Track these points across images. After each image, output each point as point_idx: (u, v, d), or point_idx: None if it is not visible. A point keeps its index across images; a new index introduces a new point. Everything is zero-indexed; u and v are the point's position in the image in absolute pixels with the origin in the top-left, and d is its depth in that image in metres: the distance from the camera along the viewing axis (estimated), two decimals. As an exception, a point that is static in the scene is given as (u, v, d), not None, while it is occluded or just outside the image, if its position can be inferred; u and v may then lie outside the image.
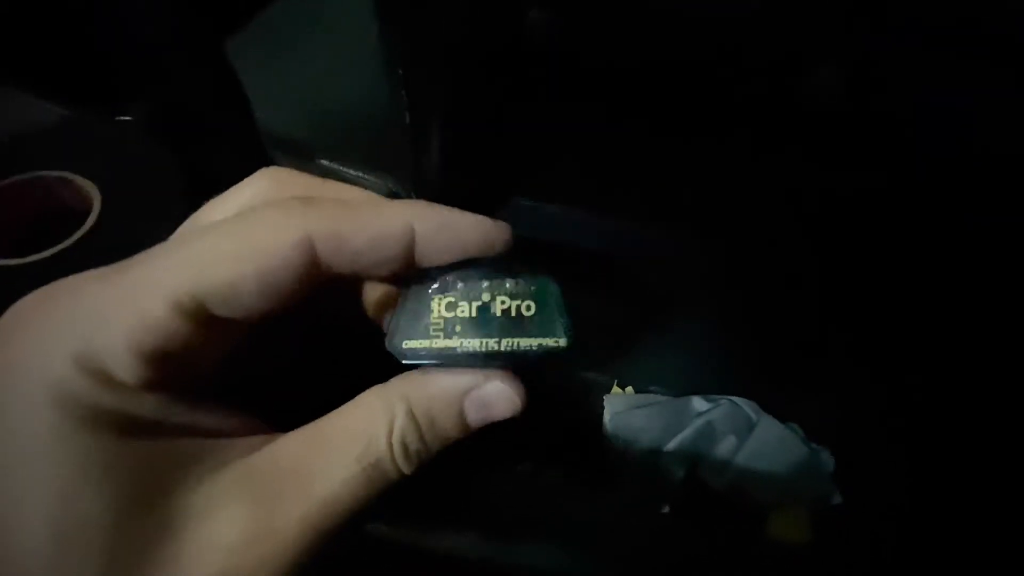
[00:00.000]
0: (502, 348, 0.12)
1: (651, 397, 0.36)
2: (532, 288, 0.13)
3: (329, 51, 0.32)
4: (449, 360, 0.12)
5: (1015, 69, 0.19)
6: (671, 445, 0.34)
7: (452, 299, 0.12)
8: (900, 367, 0.34)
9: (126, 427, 0.10)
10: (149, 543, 0.10)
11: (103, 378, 0.10)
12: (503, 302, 0.12)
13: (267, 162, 0.31)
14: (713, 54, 0.20)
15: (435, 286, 0.13)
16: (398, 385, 0.12)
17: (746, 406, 0.35)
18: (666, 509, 0.33)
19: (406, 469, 0.12)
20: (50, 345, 0.10)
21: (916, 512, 0.32)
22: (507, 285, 0.12)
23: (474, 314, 0.12)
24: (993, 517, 0.30)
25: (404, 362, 0.12)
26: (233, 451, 0.11)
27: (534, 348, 0.12)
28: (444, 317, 0.12)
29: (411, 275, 0.13)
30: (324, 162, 0.30)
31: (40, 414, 0.10)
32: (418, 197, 0.30)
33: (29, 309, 0.11)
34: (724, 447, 0.34)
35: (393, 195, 0.31)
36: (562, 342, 0.12)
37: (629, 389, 0.37)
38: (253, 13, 0.32)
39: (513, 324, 0.12)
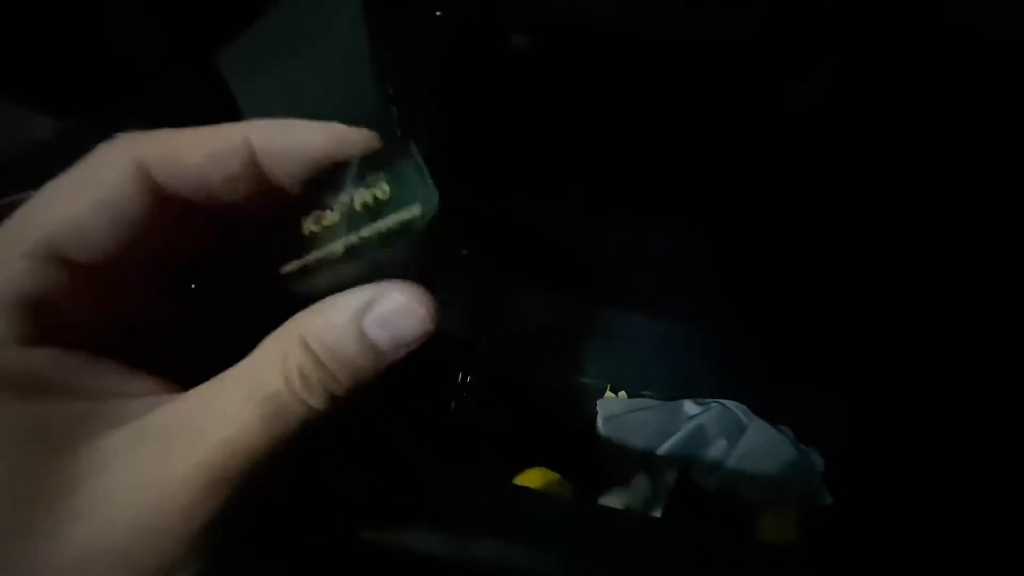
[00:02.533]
0: (361, 238, 0.11)
1: (643, 401, 0.37)
2: (389, 169, 0.11)
3: (319, 64, 0.32)
4: (327, 277, 0.11)
5: (995, 77, 0.19)
6: (663, 448, 0.34)
7: (320, 211, 0.12)
8: (890, 369, 0.34)
9: (12, 386, 0.10)
10: (44, 502, 0.10)
11: None
12: (361, 196, 0.11)
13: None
14: (698, 71, 0.20)
15: (303, 204, 0.12)
16: (290, 323, 0.12)
17: (736, 409, 0.35)
18: (658, 512, 0.33)
19: (313, 401, 0.11)
20: None
21: (904, 511, 0.32)
22: (368, 179, 0.11)
23: (337, 219, 0.11)
24: (981, 517, 0.31)
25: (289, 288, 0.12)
26: (134, 410, 0.11)
27: (394, 228, 0.11)
28: (313, 231, 0.12)
29: (285, 203, 0.12)
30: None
31: None
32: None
33: None
34: (715, 449, 0.34)
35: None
36: (421, 210, 0.11)
37: (622, 393, 0.38)
38: (244, 26, 0.33)
39: (372, 213, 0.11)
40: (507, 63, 0.19)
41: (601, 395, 0.37)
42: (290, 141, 0.12)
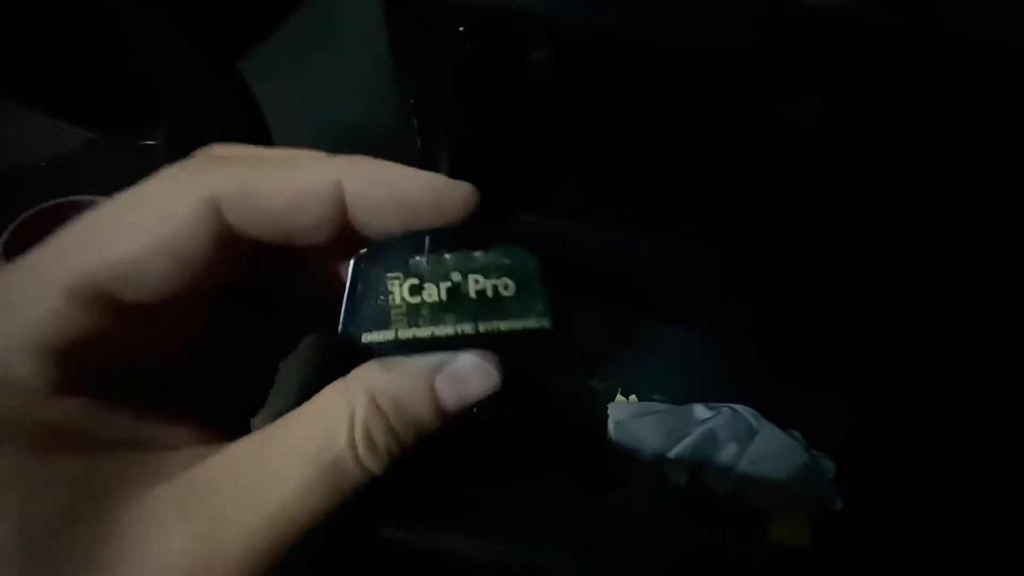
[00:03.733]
0: (480, 332, 0.11)
1: (654, 405, 0.37)
2: (507, 263, 0.11)
3: (340, 72, 0.33)
4: (417, 351, 0.11)
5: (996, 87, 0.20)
6: (674, 452, 0.34)
7: (415, 281, 0.11)
8: (901, 373, 0.34)
9: (39, 438, 0.09)
10: (70, 569, 0.09)
11: (4, 385, 0.09)
12: (476, 281, 0.11)
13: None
14: (712, 84, 0.21)
15: (391, 264, 0.11)
16: (359, 374, 0.11)
17: (747, 413, 0.36)
18: (669, 514, 0.33)
19: (373, 466, 0.10)
20: None
21: (916, 517, 0.32)
22: (477, 258, 0.11)
23: (444, 298, 0.11)
24: (993, 523, 0.31)
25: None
26: (175, 462, 0.10)
27: (517, 331, 0.11)
28: (408, 303, 0.11)
29: (361, 253, 0.11)
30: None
31: None
32: None
33: None
34: (726, 454, 0.34)
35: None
36: (546, 323, 0.11)
37: (632, 397, 0.38)
38: (264, 33, 0.34)
39: (489, 306, 0.11)
40: (527, 76, 0.20)
41: (611, 399, 0.38)
42: (385, 190, 0.11)
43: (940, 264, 0.30)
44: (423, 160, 0.26)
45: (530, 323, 0.11)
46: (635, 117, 0.23)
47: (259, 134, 0.30)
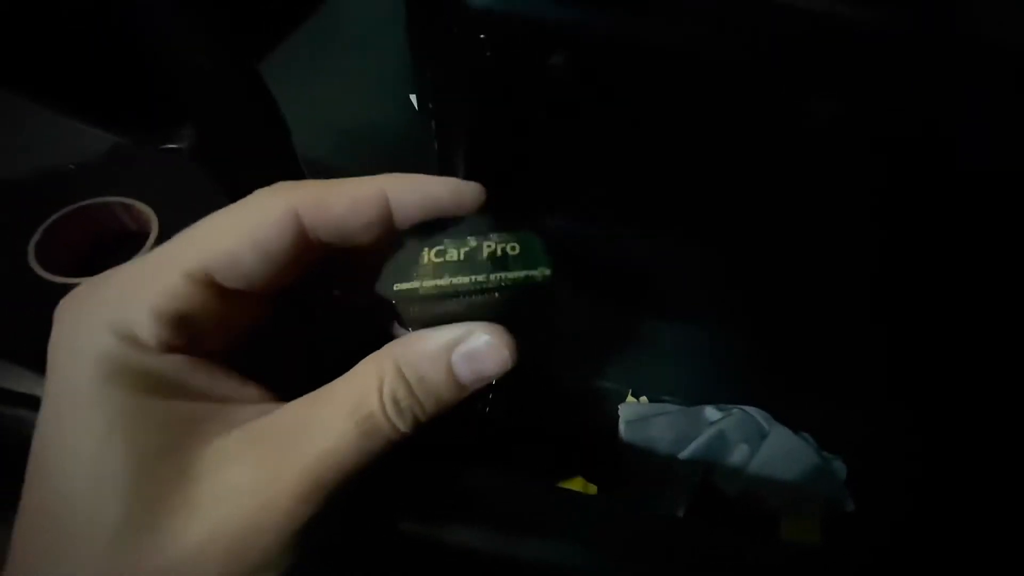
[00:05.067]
0: (490, 281, 0.13)
1: (664, 406, 0.37)
2: (516, 236, 0.13)
3: (358, 74, 0.34)
4: (439, 298, 0.13)
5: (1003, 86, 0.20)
6: (685, 453, 0.35)
7: (441, 247, 0.13)
8: (913, 375, 0.35)
9: (151, 385, 0.12)
10: (167, 488, 0.11)
11: (131, 341, 0.12)
12: (489, 246, 0.13)
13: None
14: (726, 89, 0.21)
15: (424, 237, 0.14)
16: (389, 348, 0.13)
17: (757, 415, 0.36)
18: (680, 513, 0.34)
19: (401, 425, 0.12)
20: (93, 317, 0.12)
21: (928, 518, 0.32)
22: (492, 236, 0.13)
23: (462, 257, 0.13)
24: (1004, 525, 0.31)
25: (394, 302, 0.13)
26: (245, 414, 0.13)
27: (520, 279, 0.13)
28: (434, 262, 0.13)
29: (403, 230, 0.14)
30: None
31: (84, 373, 0.11)
32: None
33: (79, 292, 0.12)
34: (737, 455, 0.35)
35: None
36: (547, 271, 0.13)
37: (643, 398, 0.38)
38: (282, 37, 0.34)
39: (499, 262, 0.13)
40: (545, 81, 0.20)
41: (622, 400, 0.38)
42: (420, 193, 0.14)
43: (952, 267, 0.30)
44: (441, 161, 0.27)
45: (533, 272, 0.13)
46: (652, 122, 0.23)
47: (281, 137, 0.31)
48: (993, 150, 0.24)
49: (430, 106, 0.24)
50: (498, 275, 0.13)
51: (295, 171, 0.31)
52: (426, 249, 0.13)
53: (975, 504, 0.32)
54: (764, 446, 0.35)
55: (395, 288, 0.13)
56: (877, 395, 0.35)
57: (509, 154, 0.27)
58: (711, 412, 0.36)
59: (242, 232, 0.13)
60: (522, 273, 0.13)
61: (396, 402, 0.12)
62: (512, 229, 0.13)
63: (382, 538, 0.22)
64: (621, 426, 0.36)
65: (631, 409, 0.37)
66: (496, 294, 0.13)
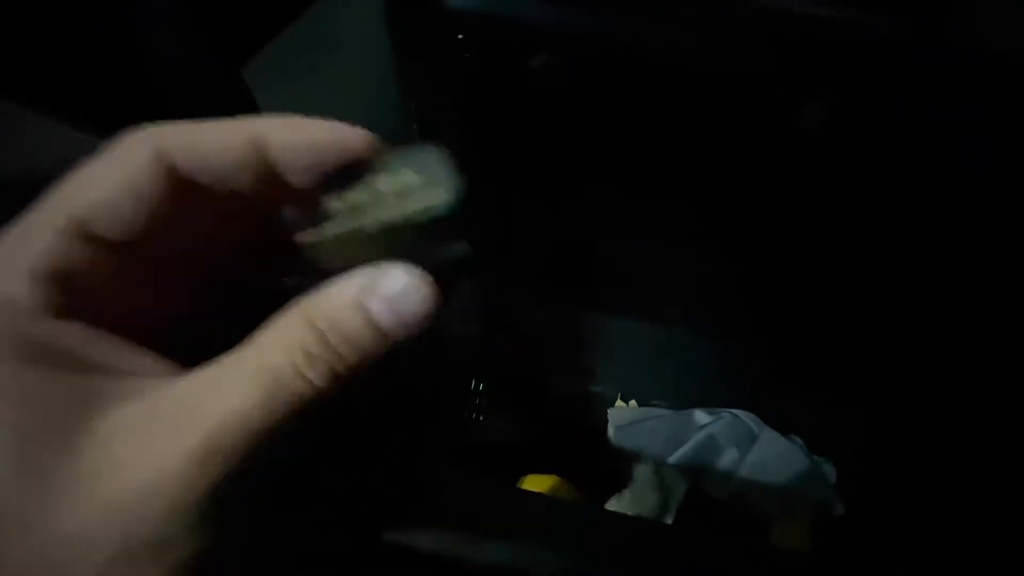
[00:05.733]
0: (390, 218, 0.12)
1: (654, 410, 0.37)
2: (416, 165, 0.13)
3: (342, 79, 0.33)
4: (349, 244, 0.12)
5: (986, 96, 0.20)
6: (674, 458, 0.34)
7: (344, 192, 0.13)
8: (903, 379, 0.34)
9: (31, 353, 0.11)
10: (50, 465, 0.10)
11: (9, 307, 0.11)
12: (392, 182, 0.13)
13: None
14: (706, 88, 0.21)
15: (330, 189, 0.13)
16: (295, 303, 0.12)
17: (747, 419, 0.36)
18: (669, 521, 0.33)
19: (316, 379, 0.11)
20: None
21: (917, 521, 0.32)
22: (394, 171, 0.13)
23: (366, 199, 0.13)
24: (992, 526, 0.31)
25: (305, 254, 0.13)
26: (145, 387, 0.12)
27: (420, 211, 0.12)
28: (338, 208, 0.13)
29: (309, 189, 0.13)
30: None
31: None
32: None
33: None
34: (726, 459, 0.34)
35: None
36: (444, 195, 0.12)
37: (633, 402, 0.38)
38: (265, 40, 0.34)
39: (401, 197, 0.12)
40: (526, 83, 0.20)
41: (612, 404, 0.38)
42: (299, 134, 0.13)
43: (941, 271, 0.30)
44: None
45: (434, 201, 0.12)
46: (639, 124, 0.23)
47: None
48: (987, 156, 0.24)
49: (412, 107, 0.24)
50: (401, 209, 0.12)
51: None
52: (332, 198, 0.13)
53: (964, 506, 0.32)
54: (754, 450, 0.34)
55: (306, 241, 0.13)
56: (867, 398, 0.35)
57: (493, 155, 0.27)
58: (701, 416, 0.36)
59: (113, 178, 0.12)
60: (423, 203, 0.12)
61: (309, 355, 0.11)
62: (419, 162, 0.13)
63: (363, 546, 0.22)
64: (610, 430, 0.36)
65: (620, 413, 0.37)
66: (408, 232, 0.12)
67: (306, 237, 0.13)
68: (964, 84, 0.22)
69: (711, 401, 0.37)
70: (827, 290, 0.34)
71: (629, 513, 0.34)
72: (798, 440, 0.36)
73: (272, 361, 0.11)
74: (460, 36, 0.18)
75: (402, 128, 0.27)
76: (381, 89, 0.30)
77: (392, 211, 0.12)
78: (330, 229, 0.13)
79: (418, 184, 0.12)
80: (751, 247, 0.32)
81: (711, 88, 0.20)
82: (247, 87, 0.32)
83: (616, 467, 0.35)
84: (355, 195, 0.13)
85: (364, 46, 0.31)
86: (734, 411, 0.36)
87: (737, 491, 0.34)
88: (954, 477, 0.32)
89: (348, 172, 0.13)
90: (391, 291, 0.12)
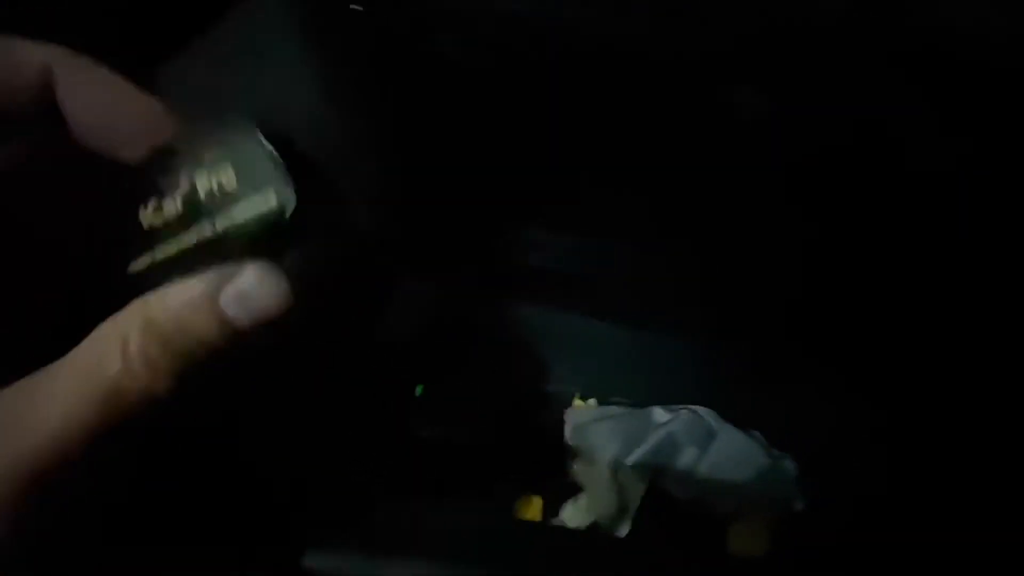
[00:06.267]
0: (217, 231, 0.10)
1: (612, 409, 0.36)
2: (229, 152, 0.10)
3: (259, 81, 0.31)
4: (180, 270, 0.11)
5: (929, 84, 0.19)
6: (632, 458, 0.33)
7: (157, 201, 0.11)
8: (862, 370, 0.34)
9: None
10: None
11: None
12: (204, 183, 0.10)
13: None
14: (632, 70, 0.19)
15: (140, 193, 0.11)
16: (132, 304, 0.11)
17: (706, 415, 0.35)
18: (627, 524, 0.32)
19: (154, 383, 0.11)
20: None
21: (880, 514, 0.32)
22: (204, 159, 0.11)
23: (180, 208, 0.11)
24: (957, 519, 0.30)
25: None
26: None
27: (250, 220, 0.10)
28: (153, 225, 0.11)
29: (113, 193, 0.12)
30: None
31: None
32: (379, 225, 0.30)
33: None
34: (685, 458, 0.33)
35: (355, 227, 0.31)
36: (272, 200, 0.10)
37: (592, 401, 0.37)
38: (185, 40, 0.31)
39: (220, 202, 0.10)
40: (436, 64, 0.18)
41: (569, 403, 0.37)
42: (89, 78, 0.12)
43: (900, 258, 0.29)
44: (345, 157, 0.24)
45: (260, 204, 0.10)
46: (565, 112, 0.21)
47: None
48: (941, 143, 0.23)
49: (328, 105, 0.22)
50: (226, 220, 0.10)
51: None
52: (142, 208, 0.11)
53: (926, 497, 0.31)
54: (713, 448, 0.33)
55: (131, 270, 0.11)
56: (826, 389, 0.34)
57: (425, 150, 0.25)
58: (659, 414, 0.35)
59: None
60: (251, 210, 0.10)
61: (146, 357, 0.10)
62: (231, 148, 0.10)
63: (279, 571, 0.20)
64: (567, 432, 0.35)
65: (578, 414, 0.36)
66: (240, 240, 0.10)
67: (135, 267, 0.11)
68: (917, 66, 0.20)
69: (671, 397, 0.36)
70: (784, 281, 0.33)
71: (587, 518, 0.33)
72: (758, 435, 0.35)
73: (106, 369, 0.10)
74: (353, 6, 0.16)
75: (322, 129, 0.25)
76: (297, 89, 0.28)
77: (216, 221, 0.10)
78: (158, 252, 0.11)
79: (236, 182, 0.10)
80: (704, 240, 0.31)
81: (641, 74, 0.18)
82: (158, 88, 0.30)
83: (574, 470, 0.34)
84: (173, 204, 0.11)
85: (279, 46, 0.28)
86: (693, 407, 0.35)
87: (697, 491, 0.33)
88: (917, 467, 0.32)
89: (160, 157, 0.11)
90: (243, 286, 0.11)
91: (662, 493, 0.33)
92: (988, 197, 0.23)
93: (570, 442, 0.35)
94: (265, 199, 0.10)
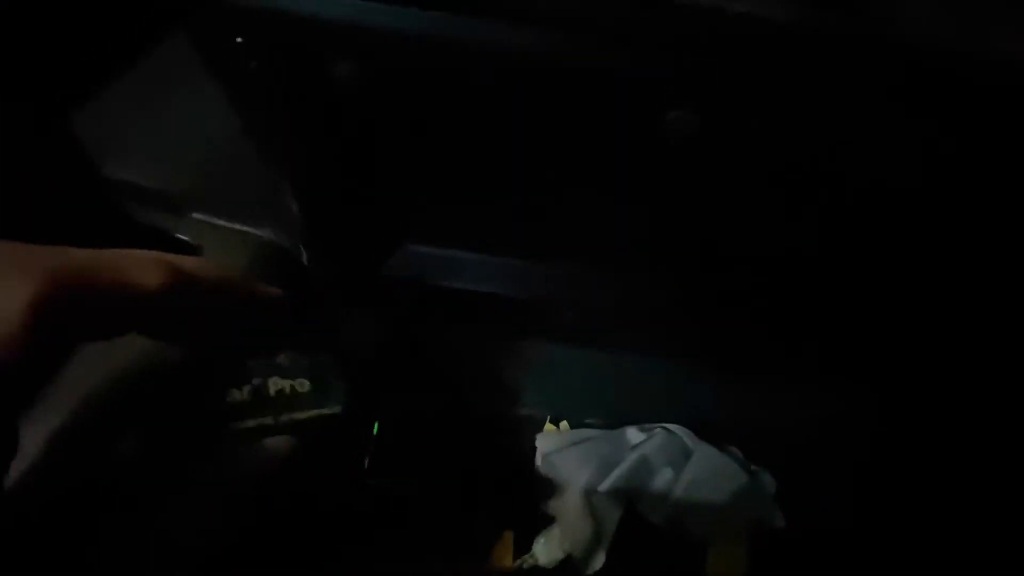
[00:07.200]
0: (279, 422, 0.13)
1: (584, 432, 0.34)
2: (305, 363, 0.13)
3: (202, 103, 0.29)
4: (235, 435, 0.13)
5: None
6: (606, 484, 0.32)
7: (233, 389, 0.13)
8: (840, 383, 0.33)
9: None
10: None
11: None
12: (275, 383, 0.13)
13: (120, 221, 0.28)
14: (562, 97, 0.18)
15: (226, 380, 0.13)
16: None
17: (682, 434, 0.33)
18: (603, 553, 0.31)
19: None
20: None
21: (861, 530, 0.31)
22: (279, 363, 0.13)
23: (247, 397, 0.13)
24: (939, 534, 0.29)
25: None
26: None
27: (312, 418, 0.13)
28: (230, 404, 0.13)
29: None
30: (198, 216, 0.27)
31: None
32: (306, 249, 0.28)
33: None
34: (661, 480, 0.32)
35: (276, 248, 0.28)
36: (336, 409, 0.13)
37: (564, 424, 0.35)
38: (115, 71, 0.29)
39: (287, 400, 0.13)
40: (332, 97, 0.16)
41: (541, 427, 0.35)
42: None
43: (873, 271, 0.28)
44: (261, 188, 0.22)
45: (323, 410, 0.14)
46: (485, 136, 0.20)
47: (76, 174, 0.26)
48: (893, 157, 0.22)
49: (249, 141, 0.20)
50: (287, 416, 0.13)
51: (105, 206, 0.26)
52: (234, 391, 0.13)
53: (906, 510, 0.31)
54: (688, 468, 0.32)
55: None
56: (804, 403, 0.33)
57: (353, 177, 0.23)
58: (633, 434, 0.34)
59: None
60: (312, 413, 0.13)
61: None
62: (302, 351, 0.13)
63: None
64: (538, 459, 0.33)
65: (549, 439, 0.34)
66: (289, 431, 0.13)
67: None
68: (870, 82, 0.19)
69: (645, 416, 0.35)
70: (762, 293, 0.32)
71: (561, 549, 0.31)
72: (735, 451, 0.34)
73: None
74: (238, 39, 0.14)
75: (242, 166, 0.23)
76: (218, 127, 0.26)
77: (278, 415, 0.13)
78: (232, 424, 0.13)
79: (309, 389, 0.13)
80: (672, 256, 0.29)
81: (564, 93, 0.17)
82: (72, 136, 0.28)
83: (546, 499, 0.33)
84: (237, 394, 0.13)
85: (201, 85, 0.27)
86: (667, 426, 0.34)
87: (673, 513, 0.32)
88: (896, 480, 0.31)
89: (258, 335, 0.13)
90: None
91: (638, 518, 0.32)
92: (956, 209, 0.22)
93: (541, 470, 0.33)
94: (330, 408, 0.13)
